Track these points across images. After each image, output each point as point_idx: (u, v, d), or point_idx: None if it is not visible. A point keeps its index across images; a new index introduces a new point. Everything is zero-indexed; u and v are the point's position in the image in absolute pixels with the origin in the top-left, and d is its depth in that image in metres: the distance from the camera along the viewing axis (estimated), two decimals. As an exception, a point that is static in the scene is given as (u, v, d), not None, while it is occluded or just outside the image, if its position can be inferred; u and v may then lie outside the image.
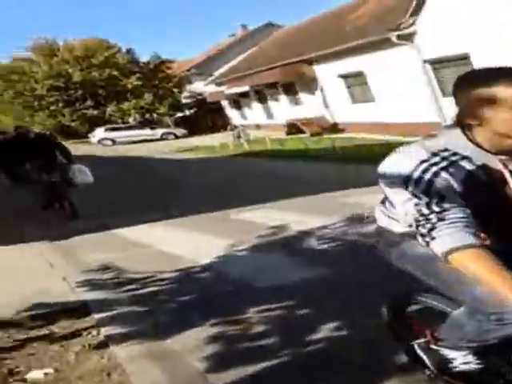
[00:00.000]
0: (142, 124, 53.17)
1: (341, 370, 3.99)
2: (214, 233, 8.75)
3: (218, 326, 5.04)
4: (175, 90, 56.38)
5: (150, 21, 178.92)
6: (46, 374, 4.21)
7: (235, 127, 37.27)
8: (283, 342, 4.59)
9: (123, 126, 51.55)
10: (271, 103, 40.38)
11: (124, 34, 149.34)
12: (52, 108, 54.58)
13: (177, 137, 48.32)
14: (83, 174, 11.41)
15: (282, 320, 5.12)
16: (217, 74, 49.55)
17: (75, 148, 26.81)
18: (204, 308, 5.56)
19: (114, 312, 5.50)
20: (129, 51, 56.37)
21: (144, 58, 57.73)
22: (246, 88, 40.51)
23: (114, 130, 49.39)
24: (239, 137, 32.92)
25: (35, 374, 4.20)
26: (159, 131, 49.62)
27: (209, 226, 9.37)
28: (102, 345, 4.71)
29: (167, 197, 13.59)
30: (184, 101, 56.81)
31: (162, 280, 6.55)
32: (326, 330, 4.74)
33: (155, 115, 58.58)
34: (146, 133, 48.69)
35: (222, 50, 55.22)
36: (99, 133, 49.12)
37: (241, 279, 6.40)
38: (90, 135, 51.00)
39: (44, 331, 5.09)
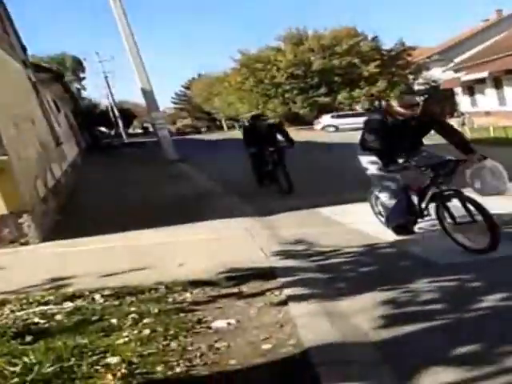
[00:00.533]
0: (369, 112, 53.10)
1: (491, 336, 4.33)
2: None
3: (390, 292, 5.52)
4: (410, 77, 56.11)
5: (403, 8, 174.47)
6: (228, 323, 4.88)
7: (462, 114, 36.31)
8: (448, 309, 4.99)
9: (350, 113, 51.73)
10: (507, 89, 38.73)
11: (376, 21, 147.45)
12: (286, 96, 56.49)
13: (400, 124, 47.50)
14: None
15: (451, 291, 5.48)
16: (458, 60, 48.24)
17: (296, 134, 27.66)
18: (380, 278, 6.02)
19: (299, 277, 6.11)
20: (374, 39, 56.85)
21: (388, 45, 57.97)
22: (484, 74, 39.13)
23: (339, 116, 49.70)
24: (463, 124, 32.10)
25: (219, 323, 4.88)
26: (384, 118, 49.18)
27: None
28: (282, 303, 5.32)
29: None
30: (416, 87, 56.00)
31: (348, 253, 7.11)
32: (490, 301, 5.07)
33: (384, 102, 58.53)
34: (369, 120, 48.37)
35: (470, 35, 53.48)
36: (325, 119, 49.81)
37: (421, 256, 6.77)
38: (315, 122, 51.95)
39: (234, 290, 5.81)
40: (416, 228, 7.71)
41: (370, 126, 7.46)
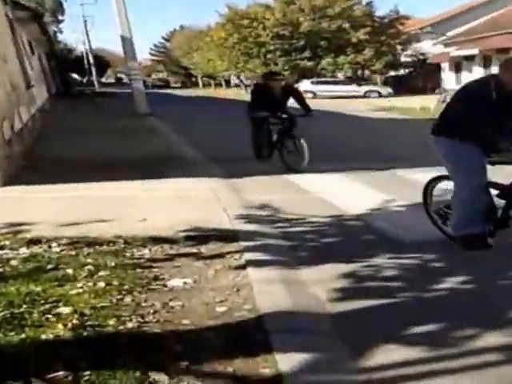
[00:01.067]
0: (350, 80, 52.91)
1: (448, 317, 4.37)
2: (376, 187, 9.06)
3: (351, 265, 5.55)
4: (398, 48, 54.96)
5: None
6: (184, 283, 4.90)
7: (444, 91, 36.15)
8: (408, 287, 5.03)
9: (330, 80, 51.38)
10: (494, 69, 38.66)
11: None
12: (268, 56, 55.30)
13: (380, 95, 47.41)
14: None
15: (413, 269, 5.53)
16: (451, 34, 47.73)
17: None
18: (343, 250, 6.06)
19: (260, 242, 6.11)
20: (368, 4, 55.23)
21: (383, 11, 56.62)
22: (474, 51, 39.02)
23: (319, 83, 49.16)
24: (444, 101, 31.99)
25: (175, 282, 4.90)
26: (364, 88, 49.14)
27: (375, 181, 9.65)
28: (241, 267, 5.32)
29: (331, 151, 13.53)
30: (403, 59, 55.58)
31: (313, 223, 7.15)
32: (451, 283, 5.12)
33: (367, 72, 58.26)
34: (350, 89, 48.01)
35: (466, 9, 52.55)
36: (305, 85, 48.96)
37: (385, 231, 6.80)
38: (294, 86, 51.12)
39: (193, 250, 5.81)
40: (491, 241, 5.88)
41: (470, 99, 5.57)
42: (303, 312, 4.36)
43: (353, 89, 48.40)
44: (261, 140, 12.13)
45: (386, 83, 54.50)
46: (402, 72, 56.26)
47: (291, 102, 11.98)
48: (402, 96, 43.47)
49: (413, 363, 3.66)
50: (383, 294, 4.84)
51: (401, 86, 49.96)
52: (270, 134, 11.87)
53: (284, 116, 11.54)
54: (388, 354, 3.77)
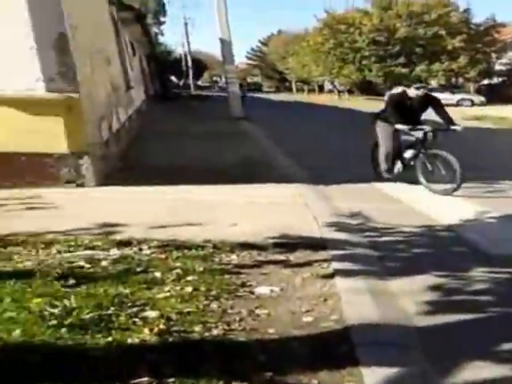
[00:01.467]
0: (444, 88, 51.75)
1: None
2: (470, 198, 8.93)
3: (441, 278, 5.38)
4: (493, 56, 54.10)
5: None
6: (271, 290, 4.85)
7: (535, 105, 35.05)
8: (497, 302, 4.85)
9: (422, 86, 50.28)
10: None
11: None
12: (363, 62, 54.97)
13: (473, 104, 46.28)
14: None
15: (504, 283, 5.33)
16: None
17: (365, 103, 27.30)
18: (433, 262, 5.89)
19: (349, 251, 6.01)
20: (465, 11, 54.39)
21: (478, 18, 55.25)
22: None
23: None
24: (536, 112, 30.96)
25: (262, 290, 4.85)
26: (457, 96, 47.94)
27: (469, 191, 9.39)
28: (329, 276, 5.23)
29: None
30: (497, 67, 54.31)
31: (403, 232, 6.99)
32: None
33: (461, 80, 57.04)
34: (443, 97, 46.40)
35: None
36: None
37: (477, 243, 6.60)
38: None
39: (281, 257, 5.75)
40: None
41: None
42: (391, 325, 4.24)
43: (446, 97, 47.25)
44: (392, 154, 10.50)
45: (478, 91, 53.22)
46: (495, 80, 54.80)
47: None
48: (494, 105, 42.32)
49: (503, 382, 3.53)
50: (473, 308, 4.68)
51: (493, 95, 48.65)
52: (401, 148, 10.50)
53: (427, 129, 10.06)
54: (477, 371, 3.63)
